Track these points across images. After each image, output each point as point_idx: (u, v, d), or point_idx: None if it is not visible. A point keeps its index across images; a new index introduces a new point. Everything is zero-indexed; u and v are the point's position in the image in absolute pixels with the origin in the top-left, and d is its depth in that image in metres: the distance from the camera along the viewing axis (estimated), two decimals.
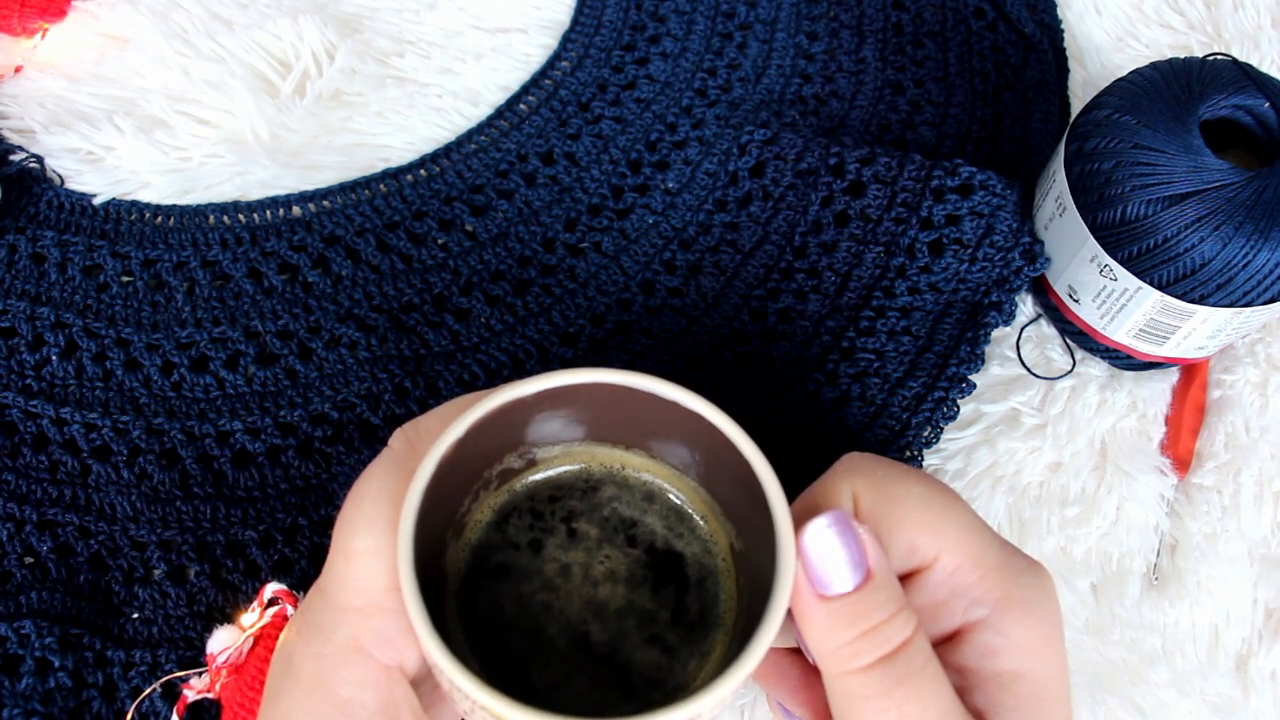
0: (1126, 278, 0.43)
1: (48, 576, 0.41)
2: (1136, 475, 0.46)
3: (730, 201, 0.51)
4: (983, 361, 0.47)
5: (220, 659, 0.38)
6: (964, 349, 0.46)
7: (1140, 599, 0.45)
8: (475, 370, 0.46)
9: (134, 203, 0.50)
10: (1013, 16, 0.56)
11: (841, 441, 0.44)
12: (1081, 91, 0.55)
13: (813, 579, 0.28)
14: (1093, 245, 0.43)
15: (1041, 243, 0.47)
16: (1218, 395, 0.48)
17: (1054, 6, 0.57)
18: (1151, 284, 0.42)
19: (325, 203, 0.50)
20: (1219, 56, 0.45)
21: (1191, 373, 0.48)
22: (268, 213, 0.50)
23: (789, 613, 0.28)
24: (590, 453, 0.33)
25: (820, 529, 0.28)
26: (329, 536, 0.31)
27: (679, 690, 0.30)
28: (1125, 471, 0.46)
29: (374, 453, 0.31)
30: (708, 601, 0.31)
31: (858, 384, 0.45)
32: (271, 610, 0.38)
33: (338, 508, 0.32)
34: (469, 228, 0.50)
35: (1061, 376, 0.48)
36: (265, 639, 0.38)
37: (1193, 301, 0.42)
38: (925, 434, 0.45)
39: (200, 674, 0.39)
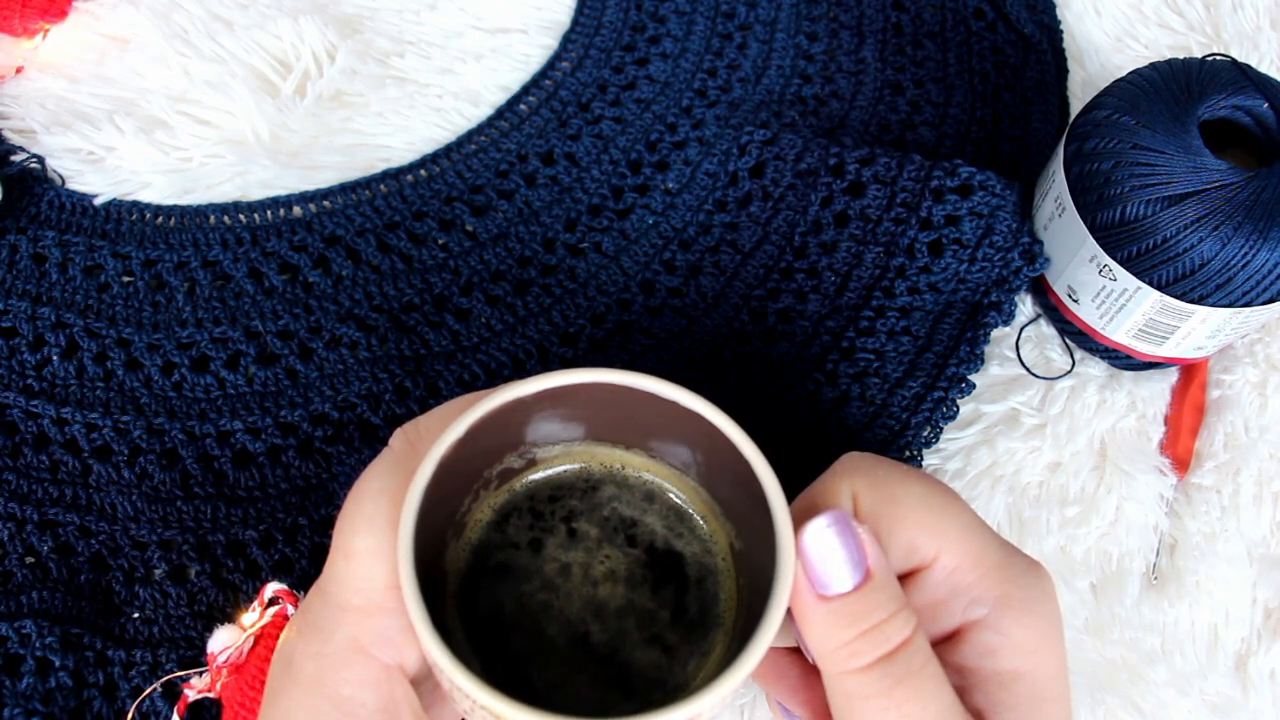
0: (1126, 278, 0.43)
1: (48, 576, 0.42)
2: (1136, 475, 0.46)
3: (730, 202, 0.51)
4: (982, 361, 0.47)
5: (221, 658, 0.38)
6: (963, 349, 0.46)
7: (1140, 599, 0.45)
8: (475, 370, 0.46)
9: (135, 203, 0.50)
10: (1012, 17, 0.56)
11: (841, 441, 0.45)
12: (1081, 92, 0.55)
13: (812, 579, 0.28)
14: (1092, 245, 0.43)
15: (1041, 243, 0.47)
16: (1217, 395, 0.48)
17: (1053, 7, 0.58)
18: (1151, 284, 0.42)
19: (326, 203, 0.50)
20: (1218, 57, 0.45)
21: (1191, 373, 0.48)
22: (268, 213, 0.50)
23: (789, 612, 0.28)
24: (590, 452, 0.33)
25: (820, 529, 0.28)
26: (329, 536, 0.31)
27: (679, 690, 0.30)
28: (1125, 471, 0.46)
29: (374, 453, 0.31)
30: (707, 601, 0.31)
31: (857, 384, 0.45)
32: (272, 610, 0.38)
33: (338, 507, 0.32)
34: (469, 228, 0.50)
35: (1061, 376, 0.48)
36: (266, 639, 0.38)
37: (1192, 302, 0.42)
38: (925, 434, 0.45)
39: (201, 673, 0.39)
